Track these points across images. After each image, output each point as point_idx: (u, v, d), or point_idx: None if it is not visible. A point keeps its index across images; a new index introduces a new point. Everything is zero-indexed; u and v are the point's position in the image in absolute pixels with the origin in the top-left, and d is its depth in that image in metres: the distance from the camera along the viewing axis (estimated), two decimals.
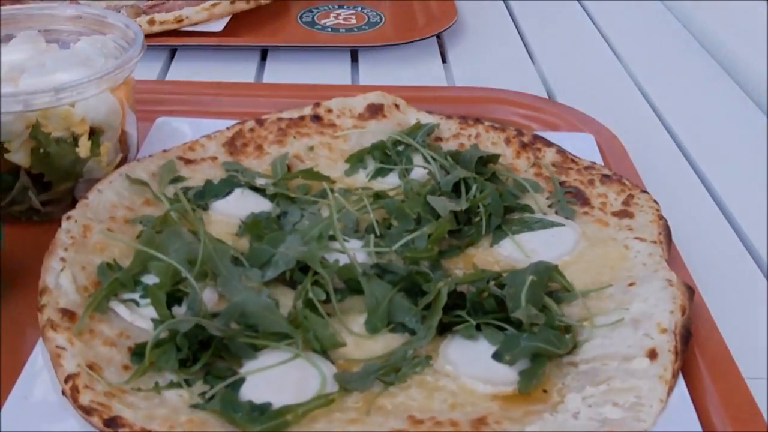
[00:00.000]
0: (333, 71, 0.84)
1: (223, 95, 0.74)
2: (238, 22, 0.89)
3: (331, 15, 0.95)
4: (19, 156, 0.55)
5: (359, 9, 0.96)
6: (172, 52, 0.86)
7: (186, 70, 0.83)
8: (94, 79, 0.55)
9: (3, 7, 0.64)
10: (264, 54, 0.87)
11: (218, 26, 0.86)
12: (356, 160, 0.63)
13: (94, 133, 0.57)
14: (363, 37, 0.89)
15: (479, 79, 0.84)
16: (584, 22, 1.00)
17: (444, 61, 0.89)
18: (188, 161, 0.61)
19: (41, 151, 0.55)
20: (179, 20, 0.85)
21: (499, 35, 0.96)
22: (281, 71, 0.84)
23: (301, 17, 0.94)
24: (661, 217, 0.56)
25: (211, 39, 0.85)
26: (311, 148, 0.64)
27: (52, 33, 0.65)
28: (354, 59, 0.87)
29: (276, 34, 0.90)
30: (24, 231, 0.57)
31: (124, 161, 0.61)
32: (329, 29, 0.91)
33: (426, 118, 0.67)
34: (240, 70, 0.84)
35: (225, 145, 0.63)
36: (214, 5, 0.87)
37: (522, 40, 0.95)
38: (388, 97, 0.68)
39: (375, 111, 0.67)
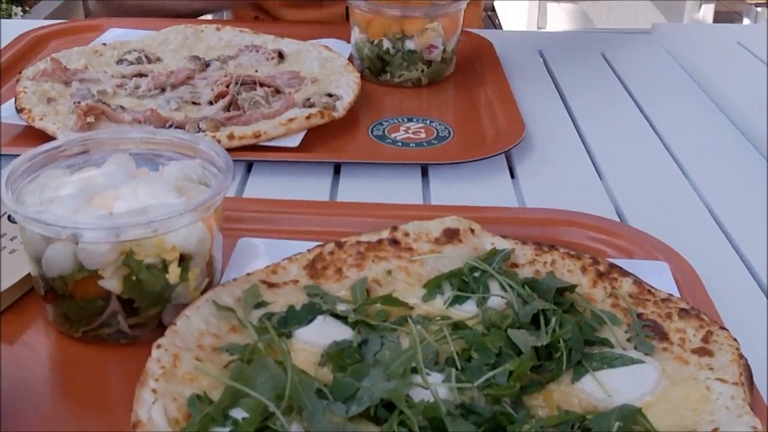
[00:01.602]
0: (404, 186, 0.86)
1: (301, 214, 0.76)
2: (313, 135, 0.92)
3: (401, 128, 0.97)
4: (113, 282, 0.57)
5: (428, 122, 0.99)
6: (250, 165, 0.89)
7: (263, 184, 0.86)
8: (188, 212, 0.57)
9: (94, 132, 0.67)
10: (338, 167, 0.90)
11: (294, 141, 0.89)
12: (434, 286, 0.64)
13: (184, 259, 0.59)
14: (432, 152, 0.92)
15: (548, 196, 0.86)
16: (651, 139, 1.01)
17: (512, 176, 0.91)
18: (271, 285, 0.63)
19: (133, 278, 0.57)
20: (257, 135, 0.88)
21: (566, 149, 0.97)
22: (355, 185, 0.86)
23: (372, 130, 0.96)
24: (741, 356, 0.55)
25: (288, 154, 0.87)
26: (389, 272, 0.66)
27: (143, 156, 0.67)
28: (424, 173, 0.89)
29: (349, 149, 0.92)
30: (111, 353, 0.59)
31: (210, 285, 0.63)
32: (399, 143, 0.93)
33: (501, 243, 0.68)
34: (315, 185, 0.86)
35: (306, 268, 0.65)
36: (290, 120, 0.90)
37: (588, 153, 0.96)
38: (463, 221, 0.69)
39: (451, 235, 0.68)
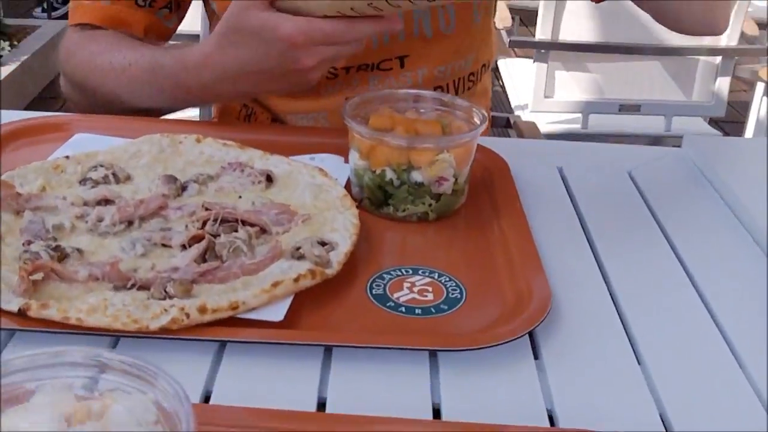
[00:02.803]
0: (409, 372, 0.72)
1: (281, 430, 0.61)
2: (302, 296, 0.78)
3: (405, 285, 0.83)
4: None
5: (436, 276, 0.85)
6: (223, 343, 0.75)
7: (238, 369, 0.71)
8: None
9: (21, 359, 0.53)
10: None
11: (278, 313, 0.74)
12: None
13: None
14: (442, 324, 0.78)
15: (578, 389, 0.72)
16: (697, 308, 0.88)
17: (536, 357, 0.77)
18: None
19: None
20: (234, 307, 0.73)
21: (599, 326, 0.82)
22: (350, 371, 0.72)
23: (371, 288, 0.82)
24: None
25: (270, 332, 0.73)
26: None
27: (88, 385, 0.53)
28: (433, 353, 0.75)
29: (344, 320, 0.78)
30: None
31: None
32: (403, 309, 0.79)
33: None
34: (302, 368, 0.72)
35: None
36: (275, 285, 0.76)
37: (626, 331, 0.82)
38: None
39: None
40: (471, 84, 1.33)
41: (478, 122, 0.97)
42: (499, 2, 1.68)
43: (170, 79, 1.10)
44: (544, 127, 2.54)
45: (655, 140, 2.68)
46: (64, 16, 5.38)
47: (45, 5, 5.48)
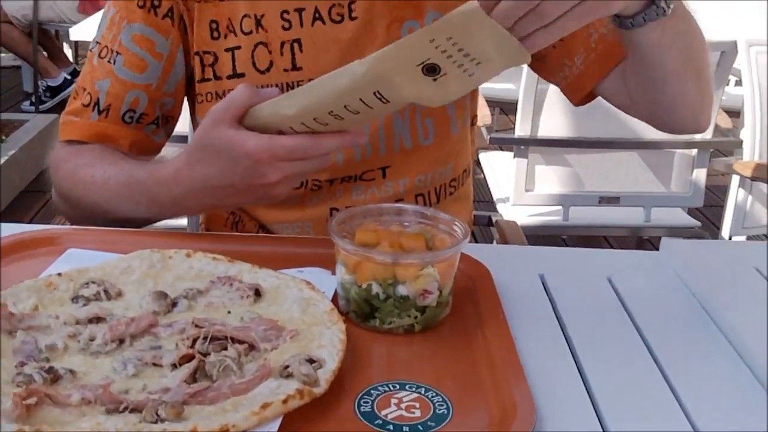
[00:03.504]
0: None
1: None
2: (291, 419, 0.79)
3: (392, 400, 0.85)
4: None
5: (423, 392, 0.87)
6: None
7: None
8: None
9: None
10: None
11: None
12: None
13: None
14: None
15: None
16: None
17: None
18: None
19: None
20: (225, 430, 0.75)
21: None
22: None
23: (359, 405, 0.84)
24: None
25: None
26: None
27: None
28: None
29: None
30: None
31: None
32: (391, 427, 0.81)
33: None
34: None
35: None
36: (265, 407, 0.77)
37: None
38: None
39: None
40: (453, 189, 1.37)
41: (461, 236, 1.01)
42: (480, 97, 1.73)
43: (144, 194, 1.15)
44: (525, 220, 2.60)
45: (635, 231, 2.73)
46: (53, 110, 5.44)
47: (33, 99, 5.57)
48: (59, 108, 4.65)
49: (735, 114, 3.47)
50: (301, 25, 1.25)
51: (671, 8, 1.04)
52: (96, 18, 2.84)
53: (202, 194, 1.09)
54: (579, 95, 1.30)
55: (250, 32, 1.25)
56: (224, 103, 1.02)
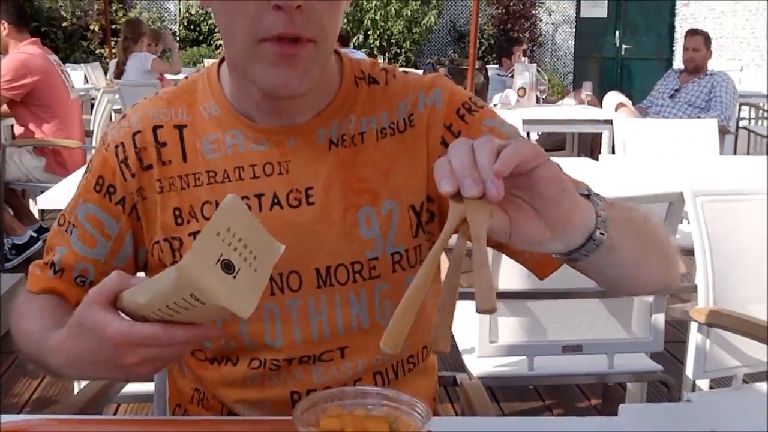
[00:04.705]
0: None
1: None
2: None
3: None
4: None
5: None
6: None
7: None
8: None
9: None
10: None
11: None
12: None
13: None
14: None
15: None
16: None
17: None
18: None
19: None
20: None
21: None
22: None
23: None
24: None
25: None
26: None
27: None
28: None
29: None
30: None
31: None
32: None
33: None
34: None
35: None
36: None
37: None
38: None
39: None
40: (411, 366, 1.40)
41: (423, 417, 1.03)
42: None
43: (46, 355, 1.21)
44: (491, 371, 2.62)
45: (600, 378, 2.75)
46: (19, 267, 5.39)
47: None
48: (25, 265, 4.64)
49: (690, 252, 3.57)
50: (260, 209, 1.31)
51: (607, 231, 1.07)
52: (62, 185, 2.91)
53: (79, 365, 1.14)
54: (542, 274, 1.35)
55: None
56: (98, 287, 1.08)
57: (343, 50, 1.42)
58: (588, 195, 1.08)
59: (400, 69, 1.45)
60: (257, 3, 1.17)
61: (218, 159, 1.33)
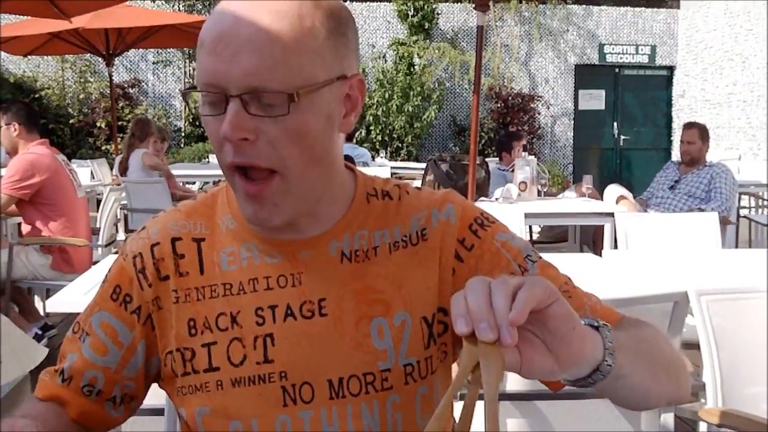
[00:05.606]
0: None
1: None
2: None
3: None
4: None
5: None
6: None
7: None
8: None
9: None
10: None
11: None
12: None
13: None
14: None
15: None
16: None
17: None
18: None
19: None
20: None
21: None
22: None
23: None
24: None
25: None
26: None
27: None
28: None
29: None
30: None
31: None
32: None
33: None
34: None
35: None
36: None
37: None
38: None
39: None
40: None
41: None
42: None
43: None
44: None
45: None
46: None
47: None
48: None
49: (696, 346, 3.56)
50: (274, 321, 1.33)
51: (615, 361, 1.09)
52: (71, 287, 2.93)
53: None
54: (554, 388, 1.37)
55: (226, 329, 1.34)
56: None
57: (347, 144, 1.46)
58: (597, 327, 1.11)
59: (413, 185, 1.49)
60: (218, 132, 1.22)
61: (234, 271, 1.36)
